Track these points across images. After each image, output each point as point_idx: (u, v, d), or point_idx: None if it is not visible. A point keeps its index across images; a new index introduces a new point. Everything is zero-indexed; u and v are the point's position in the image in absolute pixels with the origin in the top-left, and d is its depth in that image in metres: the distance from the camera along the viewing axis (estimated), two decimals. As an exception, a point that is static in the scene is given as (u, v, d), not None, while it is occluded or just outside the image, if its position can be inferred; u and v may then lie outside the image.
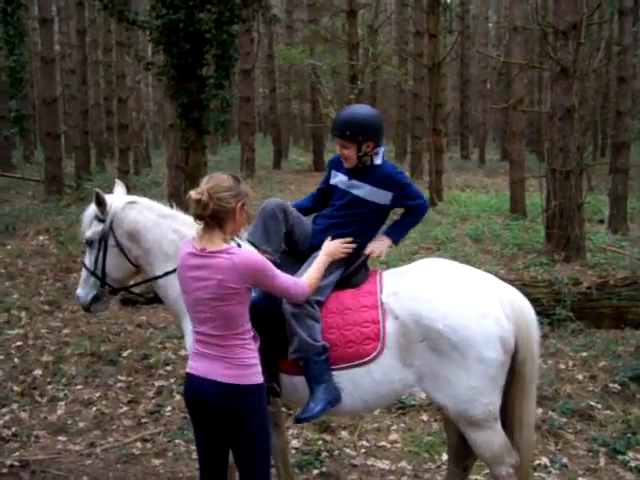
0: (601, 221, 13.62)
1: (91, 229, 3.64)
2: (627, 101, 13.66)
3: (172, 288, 3.52)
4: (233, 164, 24.24)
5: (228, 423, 2.95)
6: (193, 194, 2.90)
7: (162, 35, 9.59)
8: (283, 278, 3.07)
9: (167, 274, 3.55)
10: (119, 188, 3.83)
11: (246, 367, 2.95)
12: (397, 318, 3.32)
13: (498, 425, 3.37)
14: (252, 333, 3.04)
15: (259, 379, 2.99)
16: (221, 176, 3.00)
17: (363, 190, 3.60)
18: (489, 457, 3.39)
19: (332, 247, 3.48)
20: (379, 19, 24.99)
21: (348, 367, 3.32)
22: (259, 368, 3.01)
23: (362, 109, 3.71)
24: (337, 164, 3.76)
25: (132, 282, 4.06)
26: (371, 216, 3.67)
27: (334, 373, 3.36)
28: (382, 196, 3.61)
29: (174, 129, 12.68)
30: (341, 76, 19.11)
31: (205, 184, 2.94)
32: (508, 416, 3.45)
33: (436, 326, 3.23)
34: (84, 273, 3.72)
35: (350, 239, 3.56)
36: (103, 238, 3.61)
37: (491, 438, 3.35)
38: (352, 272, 3.58)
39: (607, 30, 18.30)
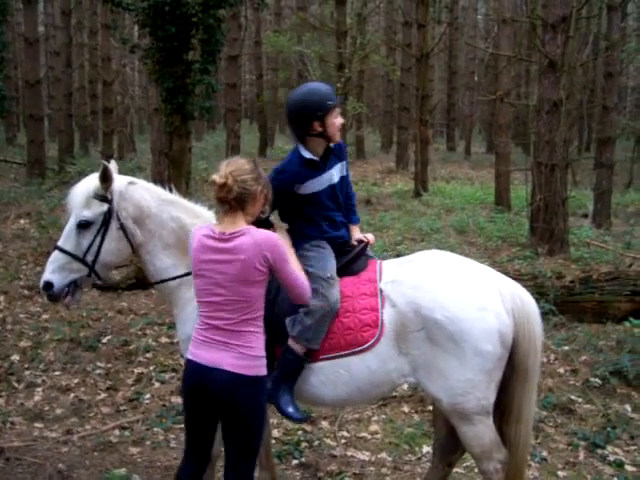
0: (585, 215, 13.68)
1: (90, 209, 3.29)
2: (613, 96, 13.73)
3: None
4: (218, 151, 24.04)
5: (228, 413, 2.92)
6: (217, 178, 2.90)
7: (148, 17, 9.45)
8: (298, 270, 3.07)
9: (179, 277, 3.44)
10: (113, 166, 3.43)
11: (255, 358, 2.93)
12: (395, 306, 3.27)
13: (490, 420, 3.33)
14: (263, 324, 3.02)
15: (264, 371, 2.97)
16: (240, 160, 3.02)
17: (337, 171, 3.62)
18: (478, 452, 3.36)
19: None
20: (368, 8, 24.85)
21: (345, 355, 3.28)
22: (265, 360, 2.99)
23: None
24: (298, 175, 3.45)
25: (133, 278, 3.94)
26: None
27: (331, 362, 3.32)
28: (345, 166, 3.70)
29: (158, 114, 12.54)
30: (328, 64, 18.98)
31: (226, 167, 2.94)
32: (506, 410, 3.41)
33: (434, 316, 3.19)
34: (61, 257, 3.30)
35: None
36: (106, 220, 3.31)
37: (482, 433, 3.31)
38: (351, 259, 3.54)
39: (595, 25, 18.32)
